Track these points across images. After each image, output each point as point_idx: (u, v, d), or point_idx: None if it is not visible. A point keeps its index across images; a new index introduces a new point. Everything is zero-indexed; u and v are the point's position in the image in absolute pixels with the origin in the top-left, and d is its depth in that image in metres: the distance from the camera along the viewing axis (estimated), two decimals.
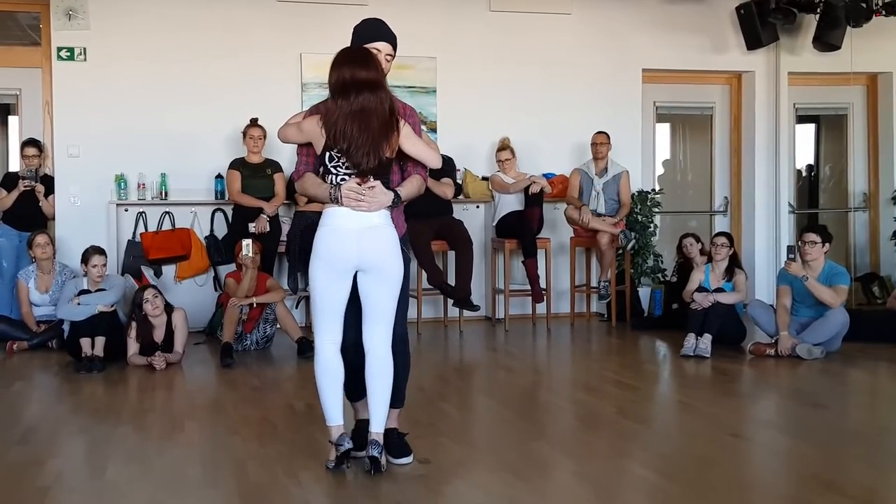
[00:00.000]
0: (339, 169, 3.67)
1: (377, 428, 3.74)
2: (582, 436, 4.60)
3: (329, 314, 3.75)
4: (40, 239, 7.00)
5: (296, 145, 3.91)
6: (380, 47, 3.81)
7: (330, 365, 3.75)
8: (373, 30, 3.87)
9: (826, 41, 8.63)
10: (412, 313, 7.79)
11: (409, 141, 3.72)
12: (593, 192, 8.04)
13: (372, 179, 3.65)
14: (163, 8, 7.85)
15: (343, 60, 3.68)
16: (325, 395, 3.76)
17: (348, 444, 3.73)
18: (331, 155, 3.68)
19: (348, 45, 3.84)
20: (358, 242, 3.65)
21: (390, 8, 7.85)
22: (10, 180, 7.57)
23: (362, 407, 3.94)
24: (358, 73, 3.62)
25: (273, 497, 3.60)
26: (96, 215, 7.63)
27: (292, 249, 7.41)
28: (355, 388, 3.88)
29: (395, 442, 3.94)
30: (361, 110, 3.60)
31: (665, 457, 4.15)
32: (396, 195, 3.70)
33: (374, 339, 3.75)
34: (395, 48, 3.89)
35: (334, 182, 3.67)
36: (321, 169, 3.73)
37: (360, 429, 3.96)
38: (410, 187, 3.80)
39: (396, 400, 3.91)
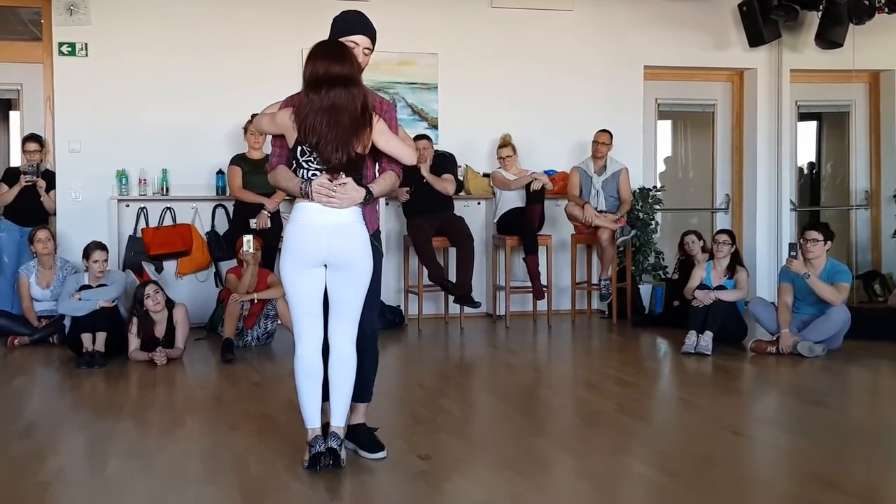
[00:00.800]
0: (310, 164, 3.65)
1: (337, 422, 3.76)
2: (582, 433, 4.60)
3: (304, 311, 3.75)
4: (41, 234, 7.00)
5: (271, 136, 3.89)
6: (357, 40, 3.77)
7: (308, 364, 3.75)
8: (352, 22, 3.82)
9: (828, 38, 8.62)
10: (413, 310, 7.83)
11: (382, 137, 3.70)
12: (593, 191, 8.03)
13: (343, 176, 3.62)
14: (164, 3, 7.84)
15: (318, 54, 3.64)
16: (302, 395, 3.77)
17: (320, 448, 3.72)
18: (302, 149, 3.65)
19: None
20: (327, 239, 3.63)
21: (392, 4, 7.89)
22: (12, 175, 7.57)
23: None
24: (332, 67, 3.58)
25: (274, 492, 3.60)
26: (97, 211, 7.63)
27: None
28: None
29: (367, 437, 3.96)
30: (332, 106, 3.56)
31: (666, 454, 4.15)
32: (368, 192, 3.67)
33: (339, 335, 3.75)
34: (373, 41, 3.85)
35: (306, 177, 3.65)
36: (293, 162, 3.70)
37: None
38: (384, 184, 3.79)
39: (364, 395, 3.96)
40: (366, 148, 3.66)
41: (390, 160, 3.82)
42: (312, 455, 3.73)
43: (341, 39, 3.76)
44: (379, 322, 4.18)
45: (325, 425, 3.81)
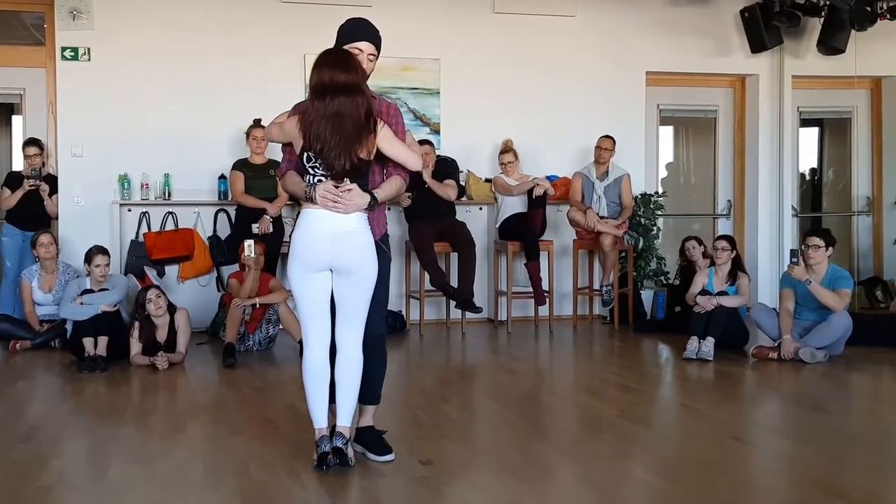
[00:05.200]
0: (316, 170, 3.71)
1: (343, 422, 3.82)
2: (584, 438, 4.59)
3: (312, 315, 3.82)
4: (44, 238, 7.00)
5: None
6: (362, 47, 3.84)
7: (314, 366, 3.82)
8: (356, 29, 3.89)
9: (830, 45, 8.63)
10: (415, 315, 7.82)
11: (387, 143, 3.75)
12: (595, 196, 8.04)
13: (348, 182, 3.67)
14: (167, 8, 7.85)
15: (323, 62, 3.70)
16: (309, 396, 3.84)
17: (326, 447, 3.79)
18: (308, 155, 3.71)
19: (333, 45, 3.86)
20: (332, 245, 3.70)
21: (394, 9, 7.90)
22: (14, 180, 7.57)
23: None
24: (337, 76, 3.64)
25: (275, 497, 3.60)
26: (100, 215, 7.64)
27: None
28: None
29: (375, 439, 4.02)
30: (336, 114, 3.62)
31: (667, 460, 4.15)
32: (373, 197, 3.73)
33: (345, 338, 3.82)
34: (378, 48, 3.90)
35: (311, 182, 3.70)
36: (301, 169, 3.77)
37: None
38: (389, 189, 3.84)
39: (372, 397, 4.03)
40: (371, 153, 3.70)
41: (396, 165, 3.85)
42: (319, 454, 3.79)
43: (346, 47, 3.82)
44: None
45: (335, 426, 3.86)
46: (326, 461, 3.77)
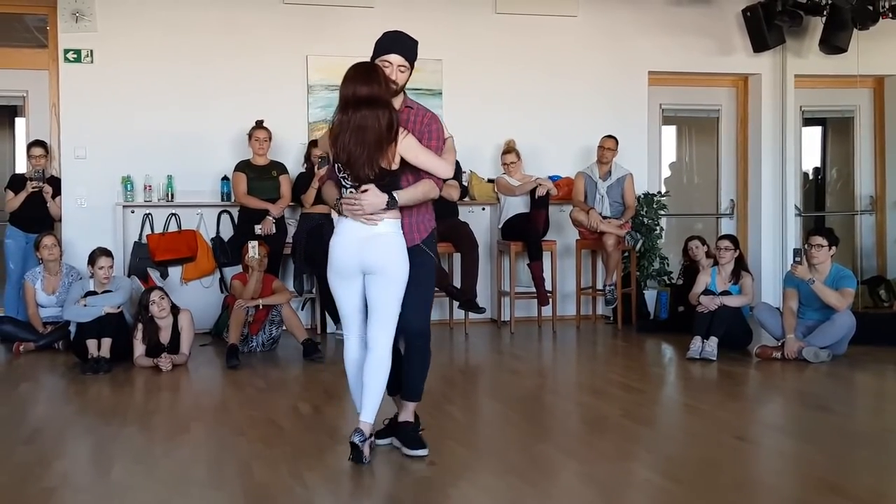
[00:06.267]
0: (346, 180, 3.88)
1: (364, 417, 3.93)
2: (587, 438, 4.59)
3: (348, 313, 4.03)
4: (47, 240, 7.01)
5: None
6: (391, 59, 3.94)
7: (352, 355, 4.04)
8: (385, 42, 3.99)
9: (833, 44, 8.62)
10: None
11: (410, 153, 3.86)
12: (597, 196, 8.04)
13: (366, 185, 3.80)
14: (169, 10, 7.86)
15: (349, 76, 3.85)
16: (350, 387, 4.08)
17: (356, 439, 3.89)
18: (338, 166, 3.88)
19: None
20: (359, 250, 3.87)
21: (396, 10, 7.90)
22: (18, 182, 7.57)
23: (398, 401, 4.19)
24: (359, 89, 3.79)
25: (278, 498, 3.60)
26: (103, 217, 7.65)
27: (298, 251, 7.42)
28: (392, 382, 4.05)
29: (409, 434, 4.10)
30: (359, 126, 3.77)
31: (671, 459, 4.15)
32: (392, 197, 3.81)
33: (375, 337, 3.94)
34: (408, 58, 3.98)
35: (343, 194, 3.89)
36: (336, 178, 3.96)
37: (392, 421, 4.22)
38: (414, 192, 3.92)
39: (411, 394, 4.15)
40: (391, 164, 3.82)
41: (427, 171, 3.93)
42: (351, 445, 3.94)
43: (378, 60, 3.95)
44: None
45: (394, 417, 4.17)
46: (352, 453, 3.92)
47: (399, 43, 3.98)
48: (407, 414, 4.15)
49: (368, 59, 3.95)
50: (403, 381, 4.11)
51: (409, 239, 3.97)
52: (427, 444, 4.07)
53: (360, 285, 3.94)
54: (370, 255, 3.85)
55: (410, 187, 3.92)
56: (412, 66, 4.01)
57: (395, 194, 3.83)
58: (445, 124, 4.14)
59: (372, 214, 3.81)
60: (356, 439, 3.88)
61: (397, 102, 3.96)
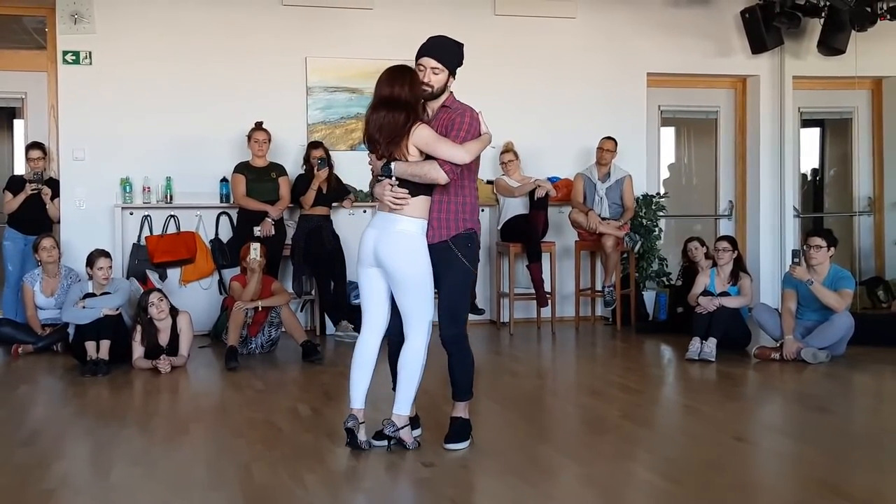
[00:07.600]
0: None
1: (396, 410, 4.12)
2: (587, 439, 4.59)
3: (367, 304, 4.18)
4: (46, 242, 7.01)
5: None
6: (423, 63, 4.13)
7: (363, 348, 4.15)
8: (424, 46, 4.19)
9: (831, 45, 8.63)
10: None
11: (422, 141, 4.00)
12: (596, 197, 8.04)
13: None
14: (168, 12, 7.86)
15: (379, 78, 4.10)
16: (350, 376, 4.16)
17: (347, 424, 4.08)
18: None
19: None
20: (376, 240, 4.06)
21: (395, 12, 7.88)
22: (17, 184, 7.57)
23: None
24: (383, 90, 4.05)
25: (278, 499, 3.60)
26: (102, 219, 7.65)
27: (297, 253, 7.42)
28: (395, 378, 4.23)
29: (454, 429, 4.24)
30: (382, 124, 4.02)
31: (670, 460, 4.15)
32: (386, 163, 4.00)
33: (407, 334, 4.13)
34: (443, 60, 4.13)
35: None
36: None
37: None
38: (413, 167, 4.01)
39: (458, 393, 4.30)
40: (404, 156, 4.01)
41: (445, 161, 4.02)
42: (346, 431, 4.11)
43: (416, 63, 4.14)
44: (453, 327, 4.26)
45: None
46: (348, 439, 4.10)
47: (431, 47, 4.16)
48: (456, 411, 4.28)
49: (400, 63, 4.15)
50: (450, 381, 4.27)
51: (436, 235, 4.06)
52: (465, 438, 4.21)
53: (381, 280, 4.09)
54: (383, 248, 4.01)
55: (412, 162, 4.01)
56: (450, 68, 4.16)
57: (392, 165, 3.98)
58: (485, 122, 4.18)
59: (396, 199, 3.97)
60: (389, 430, 4.06)
61: (437, 103, 4.13)
